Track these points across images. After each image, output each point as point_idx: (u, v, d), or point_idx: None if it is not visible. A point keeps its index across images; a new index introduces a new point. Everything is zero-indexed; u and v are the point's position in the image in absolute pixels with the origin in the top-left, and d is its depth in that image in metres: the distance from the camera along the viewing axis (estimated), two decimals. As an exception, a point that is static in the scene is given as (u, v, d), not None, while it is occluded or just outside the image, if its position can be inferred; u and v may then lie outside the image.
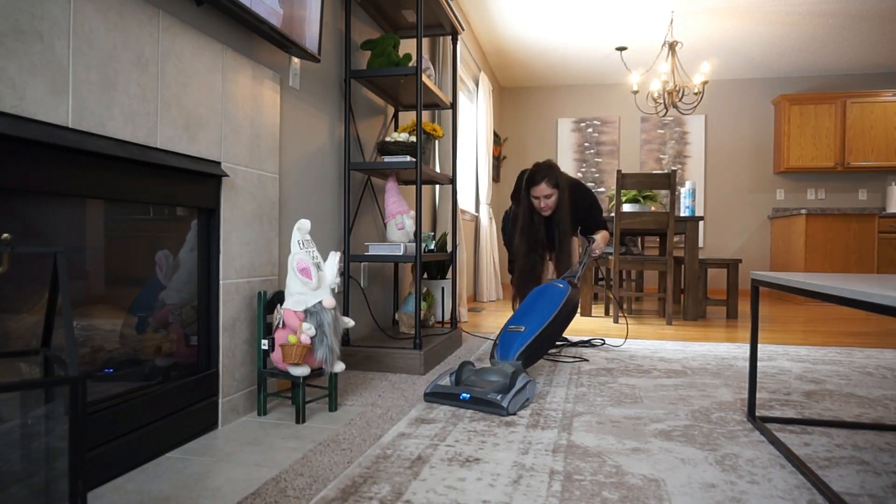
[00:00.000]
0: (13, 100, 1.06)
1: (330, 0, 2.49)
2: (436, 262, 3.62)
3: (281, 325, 1.77)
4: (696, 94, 5.01)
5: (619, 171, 4.13)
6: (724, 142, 6.81)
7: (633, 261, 4.24)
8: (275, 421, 1.77)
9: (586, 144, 7.04)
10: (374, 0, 2.72)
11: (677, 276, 4.68)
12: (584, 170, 7.04)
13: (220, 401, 1.69)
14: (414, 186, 3.46)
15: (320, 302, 1.75)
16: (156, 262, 1.53)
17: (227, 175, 1.67)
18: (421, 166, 2.44)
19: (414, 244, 2.58)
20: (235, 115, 1.73)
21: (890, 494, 1.27)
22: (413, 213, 2.63)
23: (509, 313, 4.69)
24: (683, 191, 4.75)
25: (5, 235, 0.98)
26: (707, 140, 6.84)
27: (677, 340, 3.39)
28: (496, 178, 6.55)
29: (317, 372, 1.79)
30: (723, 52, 5.87)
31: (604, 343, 3.24)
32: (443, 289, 3.52)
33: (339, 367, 1.81)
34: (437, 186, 4.11)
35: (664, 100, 5.16)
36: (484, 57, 6.06)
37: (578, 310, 4.67)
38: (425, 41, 3.85)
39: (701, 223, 6.79)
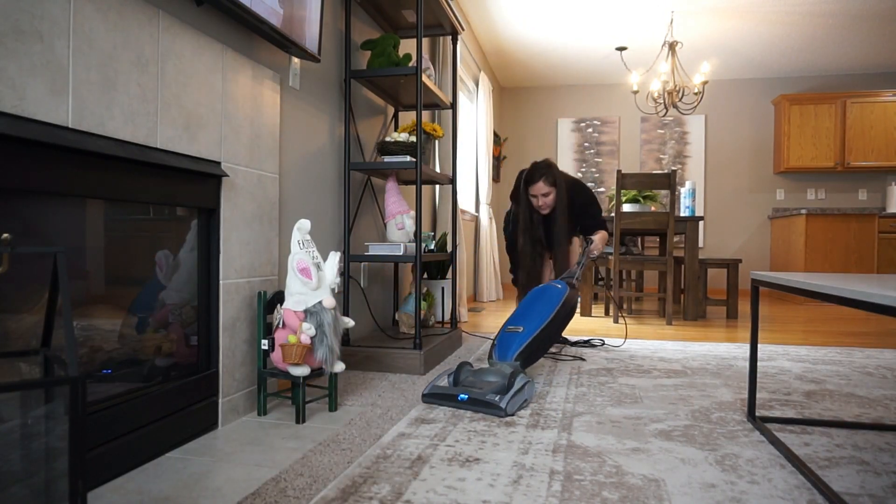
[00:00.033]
0: (13, 100, 1.06)
1: (330, 0, 2.49)
2: (436, 262, 3.62)
3: (281, 325, 1.77)
4: (696, 94, 5.01)
5: (619, 171, 4.13)
6: (724, 142, 6.81)
7: (633, 261, 4.24)
8: (275, 421, 1.77)
9: (586, 144, 7.05)
10: (374, 0, 2.72)
11: (677, 276, 4.68)
12: (584, 170, 7.04)
13: (220, 401, 1.69)
14: (414, 186, 3.46)
15: (320, 302, 1.75)
16: (156, 262, 1.53)
17: (227, 175, 1.67)
18: (421, 166, 2.44)
19: (414, 244, 2.58)
20: (235, 115, 1.73)
21: (890, 494, 1.27)
22: (413, 213, 2.63)
23: (509, 313, 4.69)
24: (683, 191, 4.75)
25: (5, 235, 0.98)
26: (707, 140, 6.84)
27: (677, 340, 3.39)
28: (496, 178, 6.55)
29: (317, 372, 1.79)
30: (723, 52, 5.87)
31: (603, 343, 3.24)
32: (443, 289, 3.52)
33: (339, 367, 1.81)
34: (437, 186, 4.11)
35: (664, 100, 5.16)
36: (484, 57, 6.07)
37: (578, 310, 4.68)
38: (425, 41, 3.85)
39: (701, 223, 6.79)
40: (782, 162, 6.38)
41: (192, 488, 1.28)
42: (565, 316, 2.39)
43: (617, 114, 7.02)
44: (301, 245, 1.77)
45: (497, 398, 1.84)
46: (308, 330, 1.72)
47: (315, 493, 1.25)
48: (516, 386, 1.90)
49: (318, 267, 1.79)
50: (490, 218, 5.53)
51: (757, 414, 1.86)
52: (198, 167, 1.55)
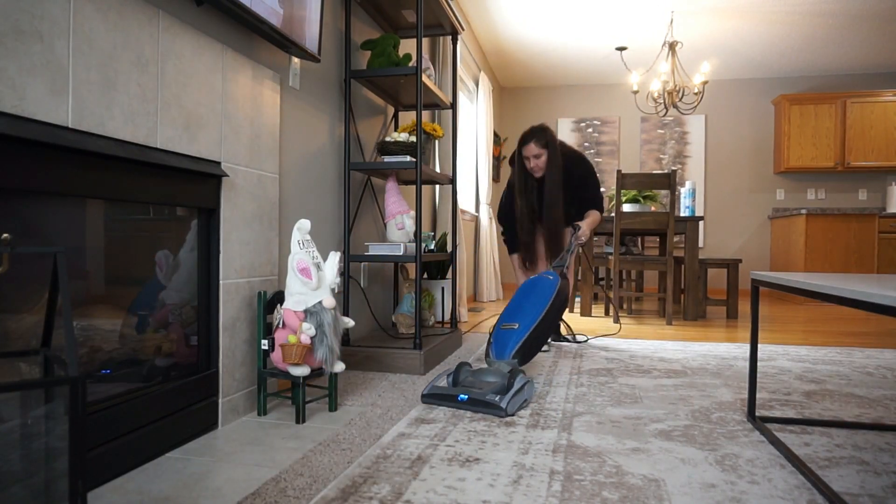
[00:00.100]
0: (13, 100, 1.06)
1: (330, 0, 2.49)
2: (436, 262, 3.62)
3: (281, 325, 1.77)
4: (696, 94, 5.01)
5: (619, 171, 4.13)
6: (724, 142, 6.81)
7: (633, 261, 4.24)
8: (275, 421, 1.77)
9: (586, 144, 7.05)
10: (374, 0, 2.72)
11: (677, 276, 4.68)
12: (584, 170, 7.04)
13: (220, 401, 1.69)
14: (414, 186, 3.46)
15: (320, 302, 1.75)
16: (156, 262, 1.53)
17: (227, 175, 1.67)
18: (421, 166, 2.44)
19: (414, 244, 2.58)
20: (235, 115, 1.73)
21: (890, 494, 1.27)
22: (413, 213, 2.63)
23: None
24: (683, 191, 4.75)
25: (5, 235, 0.98)
26: (707, 140, 6.84)
27: (677, 340, 3.39)
28: (496, 178, 6.55)
29: (317, 372, 1.79)
30: (723, 52, 5.87)
31: (587, 340, 3.30)
32: (443, 289, 3.52)
33: (339, 367, 1.81)
34: (437, 186, 4.11)
35: (664, 100, 5.16)
36: (484, 57, 6.06)
37: (578, 310, 4.68)
38: (425, 41, 3.85)
39: (701, 223, 6.79)
40: (782, 162, 6.38)
41: (192, 488, 1.28)
42: (559, 308, 2.38)
43: (617, 114, 7.02)
44: (301, 245, 1.77)
45: (497, 398, 1.84)
46: (308, 330, 1.72)
47: (315, 493, 1.25)
48: (516, 386, 1.90)
49: (318, 267, 1.79)
50: (490, 218, 5.53)
51: (757, 414, 1.86)
52: (198, 167, 1.55)
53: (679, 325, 4.06)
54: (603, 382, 2.30)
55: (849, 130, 6.22)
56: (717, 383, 2.30)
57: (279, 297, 1.85)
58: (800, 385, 2.29)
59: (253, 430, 1.68)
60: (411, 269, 3.33)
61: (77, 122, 1.20)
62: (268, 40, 1.94)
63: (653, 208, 4.53)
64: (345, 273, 2.53)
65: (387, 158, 2.52)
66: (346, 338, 2.52)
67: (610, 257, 4.40)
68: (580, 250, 3.14)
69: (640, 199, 4.53)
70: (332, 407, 1.88)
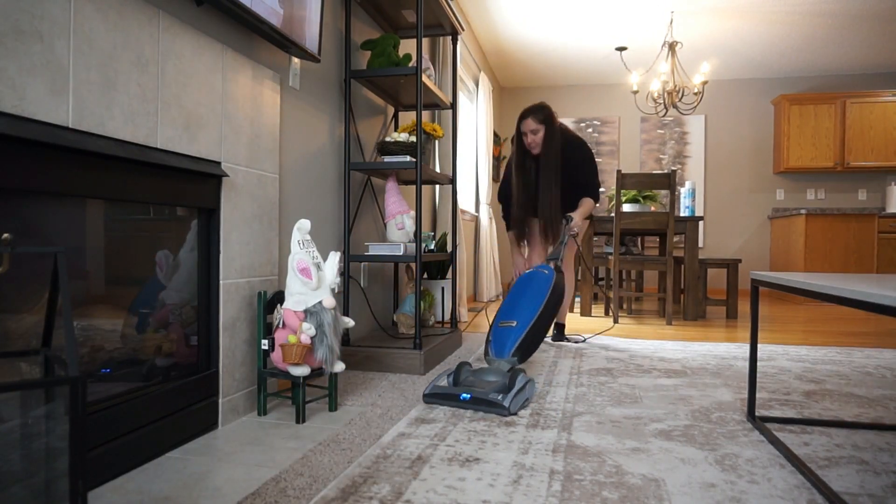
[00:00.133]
0: (13, 100, 1.07)
1: (330, 0, 2.49)
2: (436, 262, 3.62)
3: (281, 325, 1.77)
4: (695, 94, 5.01)
5: (619, 171, 4.13)
6: (723, 142, 6.81)
7: (633, 261, 4.24)
8: (275, 421, 1.77)
9: (586, 144, 7.04)
10: (374, 0, 2.72)
11: (677, 276, 4.68)
12: (583, 170, 7.04)
13: (220, 401, 1.69)
14: (414, 186, 3.46)
15: (320, 302, 1.75)
16: (156, 262, 1.53)
17: (227, 175, 1.67)
18: (421, 166, 2.44)
19: (414, 244, 2.58)
20: (235, 115, 1.73)
21: (889, 494, 1.27)
22: (413, 213, 2.63)
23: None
24: (683, 191, 4.75)
25: (5, 235, 0.98)
26: (707, 140, 6.84)
27: (677, 340, 3.39)
28: (496, 178, 6.55)
29: (317, 372, 1.79)
30: (723, 52, 5.87)
31: (584, 340, 3.31)
32: (443, 289, 3.52)
33: (339, 367, 1.81)
34: (437, 186, 4.11)
35: (664, 100, 5.16)
36: (484, 57, 6.07)
37: (578, 310, 4.68)
38: (425, 41, 3.85)
39: (701, 223, 6.79)
40: (782, 162, 6.38)
41: (193, 488, 1.28)
42: (555, 303, 2.37)
43: (617, 114, 7.02)
44: (301, 245, 1.77)
45: (500, 397, 1.84)
46: (308, 330, 1.72)
47: (315, 492, 1.25)
48: (518, 385, 1.90)
49: (318, 267, 1.79)
50: (490, 218, 5.53)
51: (757, 414, 1.86)
52: (198, 167, 1.55)
53: (679, 325, 4.07)
54: (603, 382, 2.30)
55: (848, 130, 6.22)
56: (716, 383, 2.30)
57: (279, 297, 1.85)
58: (799, 385, 2.29)
59: (253, 430, 1.68)
60: (415, 268, 3.33)
61: (77, 122, 1.20)
62: (268, 40, 1.94)
63: (653, 208, 4.53)
64: (345, 273, 2.53)
65: (387, 158, 2.52)
66: (346, 338, 2.52)
67: (610, 257, 4.40)
68: (578, 247, 3.12)
69: (640, 199, 4.53)
70: (332, 407, 1.88)
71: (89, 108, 1.23)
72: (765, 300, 6.14)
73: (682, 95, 5.17)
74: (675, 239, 6.00)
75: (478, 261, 5.50)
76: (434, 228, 4.09)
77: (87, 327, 1.33)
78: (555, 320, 3.13)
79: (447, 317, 3.59)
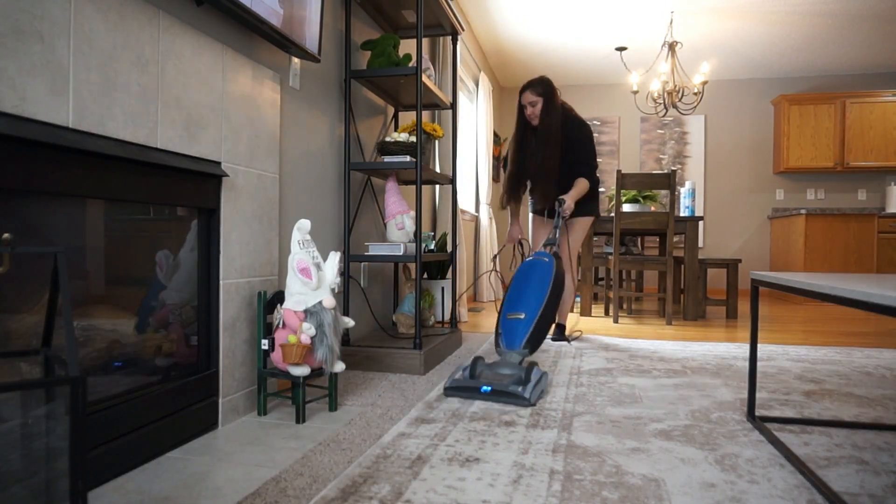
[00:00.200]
0: (13, 100, 1.07)
1: (330, 0, 2.49)
2: (436, 262, 3.62)
3: (281, 325, 1.77)
4: (695, 94, 5.01)
5: (618, 171, 4.13)
6: (723, 142, 6.81)
7: (633, 261, 4.24)
8: (275, 421, 1.77)
9: (586, 144, 7.04)
10: (374, 0, 2.72)
11: (677, 276, 4.68)
12: (583, 170, 7.04)
13: (220, 401, 1.69)
14: (414, 186, 3.46)
15: (320, 302, 1.75)
16: (156, 262, 1.53)
17: (227, 175, 1.67)
18: (421, 166, 2.44)
19: (414, 244, 2.58)
20: (235, 116, 1.73)
21: (889, 494, 1.27)
22: (413, 213, 2.63)
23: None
24: (683, 191, 4.75)
25: (5, 235, 0.98)
26: (707, 140, 6.84)
27: (677, 340, 3.39)
28: (496, 178, 6.55)
29: (317, 372, 1.79)
30: (723, 52, 5.87)
31: (579, 336, 3.37)
32: (443, 289, 3.52)
33: (339, 367, 1.81)
34: (437, 186, 4.11)
35: (664, 100, 5.16)
36: (484, 57, 6.07)
37: (578, 310, 4.68)
38: (425, 41, 3.85)
39: (701, 223, 6.79)
40: (782, 162, 6.39)
41: (193, 488, 1.28)
42: (558, 291, 2.42)
43: (617, 114, 7.02)
44: (301, 245, 1.77)
45: (520, 389, 1.93)
46: (308, 330, 1.72)
47: (315, 492, 1.25)
48: (534, 378, 2.01)
49: (318, 267, 1.79)
50: (490, 218, 5.53)
51: (756, 414, 1.86)
52: (198, 167, 1.55)
53: (679, 325, 4.07)
54: (603, 382, 2.30)
55: (848, 130, 6.22)
56: (716, 383, 2.30)
57: (279, 297, 1.85)
58: (799, 385, 2.29)
59: (253, 429, 1.68)
60: (413, 268, 3.33)
61: (77, 123, 1.20)
62: (268, 40, 1.94)
63: (653, 208, 4.53)
64: (345, 273, 2.53)
65: (387, 158, 2.52)
66: (346, 338, 2.52)
67: (610, 257, 4.40)
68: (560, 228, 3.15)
69: (640, 199, 4.53)
70: (332, 407, 1.88)
71: (89, 109, 1.23)
72: (765, 300, 6.14)
73: (682, 95, 5.17)
74: (675, 239, 6.00)
75: (478, 261, 5.50)
76: (434, 228, 4.09)
77: (87, 327, 1.33)
78: (556, 321, 3.16)
79: (447, 317, 3.59)
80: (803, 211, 5.68)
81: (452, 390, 2.05)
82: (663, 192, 4.90)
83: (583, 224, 3.24)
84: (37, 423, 1.00)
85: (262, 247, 1.88)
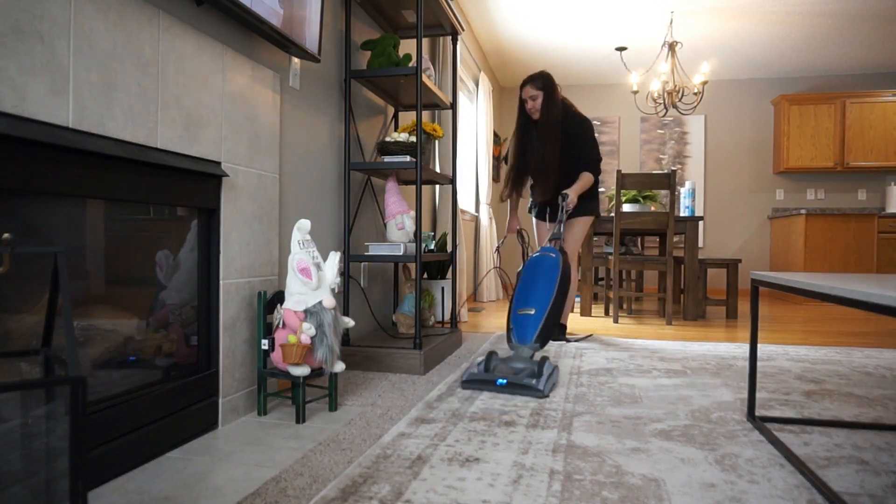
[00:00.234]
0: (14, 100, 1.07)
1: (330, 0, 2.49)
2: (436, 262, 3.62)
3: (281, 325, 1.77)
4: (695, 94, 5.01)
5: (618, 171, 4.13)
6: (723, 142, 6.81)
7: (633, 261, 4.24)
8: (275, 421, 1.77)
9: (586, 144, 7.05)
10: (374, 0, 2.72)
11: (677, 276, 4.68)
12: (583, 170, 7.05)
13: (220, 401, 1.69)
14: (414, 186, 3.46)
15: (320, 302, 1.75)
16: (156, 262, 1.53)
17: (227, 175, 1.67)
18: (421, 166, 2.44)
19: (414, 244, 2.58)
20: (235, 116, 1.73)
21: (889, 494, 1.27)
22: (413, 213, 2.63)
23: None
24: (683, 191, 4.75)
25: (5, 235, 0.98)
26: (707, 140, 6.84)
27: (677, 340, 3.39)
28: (496, 178, 6.55)
29: (317, 372, 1.79)
30: (723, 52, 5.87)
31: (583, 339, 3.36)
32: (443, 289, 3.52)
33: (339, 367, 1.81)
34: (437, 186, 4.11)
35: (664, 100, 5.16)
36: (484, 57, 6.07)
37: (578, 310, 4.68)
38: (425, 41, 3.85)
39: (701, 223, 6.79)
40: (782, 162, 6.39)
41: (193, 488, 1.28)
42: (565, 285, 2.49)
43: (617, 114, 7.02)
44: (301, 245, 1.77)
45: (534, 381, 2.06)
46: (308, 330, 1.72)
47: (315, 492, 1.25)
48: (546, 371, 2.14)
49: (318, 267, 1.79)
50: (490, 218, 5.53)
51: (756, 414, 1.86)
52: (198, 167, 1.55)
53: (679, 325, 4.07)
54: (603, 382, 2.30)
55: (848, 130, 6.22)
56: (716, 383, 2.30)
57: (279, 297, 1.85)
58: (799, 385, 2.29)
59: (253, 429, 1.68)
60: (413, 268, 3.34)
61: (77, 123, 1.20)
62: (268, 40, 1.94)
63: (653, 208, 4.53)
64: (345, 273, 2.53)
65: (387, 158, 2.52)
66: (346, 338, 2.52)
67: (610, 257, 4.40)
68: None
69: (640, 199, 4.53)
70: (332, 407, 1.88)
71: (89, 109, 1.23)
72: (765, 300, 6.14)
73: (682, 95, 5.17)
74: (675, 239, 6.00)
75: (478, 261, 5.50)
76: (434, 228, 4.09)
77: (87, 327, 1.33)
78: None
79: (447, 317, 3.59)
80: (803, 211, 5.68)
81: (469, 383, 2.15)
82: (663, 192, 4.90)
83: (583, 223, 3.26)
84: (37, 423, 1.00)
85: (262, 247, 1.88)
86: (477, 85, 5.46)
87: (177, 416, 1.52)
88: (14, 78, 1.07)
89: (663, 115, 6.25)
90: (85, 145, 1.20)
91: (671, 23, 5.02)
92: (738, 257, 6.73)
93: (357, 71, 2.55)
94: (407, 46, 3.49)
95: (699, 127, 6.81)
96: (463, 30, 3.15)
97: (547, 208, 3.32)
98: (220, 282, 1.68)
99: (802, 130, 6.33)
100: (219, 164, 1.66)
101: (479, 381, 2.14)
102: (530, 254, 2.67)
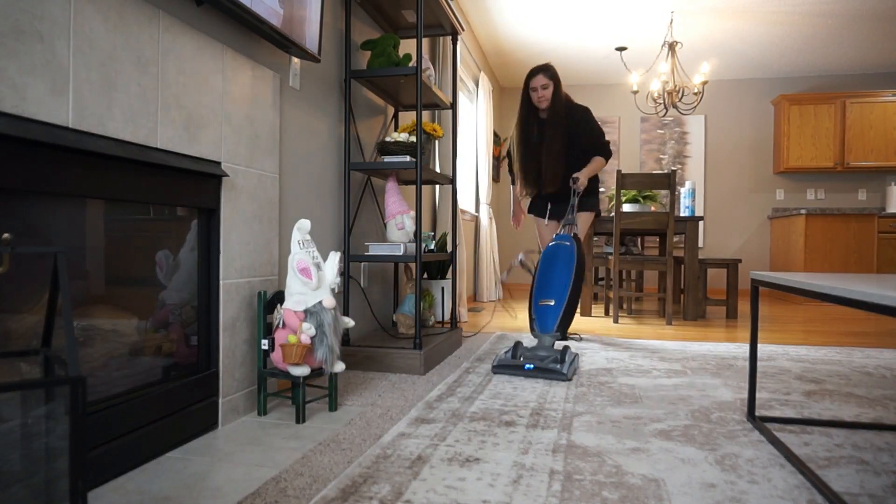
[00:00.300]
0: (14, 100, 1.07)
1: (330, 0, 2.49)
2: (436, 262, 3.62)
3: (281, 325, 1.77)
4: (695, 94, 5.01)
5: (618, 171, 4.13)
6: (723, 142, 6.81)
7: (633, 261, 4.24)
8: (275, 421, 1.77)
9: (586, 144, 7.04)
10: (374, 0, 2.72)
11: (677, 276, 4.68)
12: (583, 170, 7.04)
13: (220, 401, 1.69)
14: (414, 186, 3.46)
15: (320, 302, 1.75)
16: (156, 262, 1.53)
17: (227, 175, 1.67)
18: (421, 166, 2.44)
19: (414, 244, 2.58)
20: (235, 115, 1.73)
21: (889, 494, 1.27)
22: (413, 213, 2.63)
23: (509, 315, 4.70)
24: (683, 191, 4.75)
25: (5, 235, 0.98)
26: (707, 140, 6.84)
27: (677, 340, 3.39)
28: (496, 178, 6.55)
29: (317, 372, 1.79)
30: (723, 52, 5.87)
31: (581, 339, 3.40)
32: (443, 289, 3.52)
33: (339, 367, 1.81)
34: (437, 186, 4.11)
35: (664, 100, 5.16)
36: (484, 57, 6.07)
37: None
38: (425, 41, 3.85)
39: (701, 223, 6.79)
40: (782, 162, 6.38)
41: (193, 488, 1.28)
42: (581, 274, 2.67)
43: (617, 114, 7.02)
44: (301, 245, 1.77)
45: (559, 366, 2.29)
46: (308, 330, 1.72)
47: (315, 492, 1.25)
48: (569, 358, 2.37)
49: (318, 267, 1.79)
50: (490, 218, 5.53)
51: (757, 414, 1.86)
52: (198, 167, 1.55)
53: (679, 325, 4.06)
54: (603, 382, 2.30)
55: (848, 130, 6.22)
56: (716, 383, 2.30)
57: (279, 297, 1.85)
58: (799, 385, 2.29)
59: (253, 430, 1.68)
60: (413, 268, 3.34)
61: (77, 123, 1.20)
62: (268, 40, 1.94)
63: (653, 208, 4.53)
64: (345, 273, 2.53)
65: (387, 158, 2.52)
66: (346, 338, 2.52)
67: (610, 257, 4.40)
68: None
69: (640, 199, 4.53)
70: (332, 407, 1.88)
71: (89, 109, 1.23)
72: (765, 300, 6.14)
73: (682, 95, 5.17)
74: (675, 239, 6.00)
75: (478, 261, 5.50)
76: (434, 228, 4.09)
77: (87, 327, 1.33)
78: None
79: (447, 317, 3.59)
80: (803, 211, 5.68)
81: (499, 368, 2.39)
82: (663, 192, 4.90)
83: (584, 219, 3.28)
84: (37, 423, 1.00)
85: (262, 247, 1.88)
86: (477, 85, 5.46)
87: (177, 416, 1.52)
88: (14, 78, 1.07)
89: (663, 115, 6.25)
90: (85, 145, 1.20)
91: (671, 23, 5.02)
92: (738, 257, 6.73)
93: (357, 71, 2.55)
94: (407, 46, 3.49)
95: (699, 127, 6.81)
96: (463, 30, 3.15)
97: (548, 204, 3.33)
98: (220, 282, 1.68)
99: (802, 130, 6.33)
100: (219, 164, 1.66)
101: (508, 366, 2.37)
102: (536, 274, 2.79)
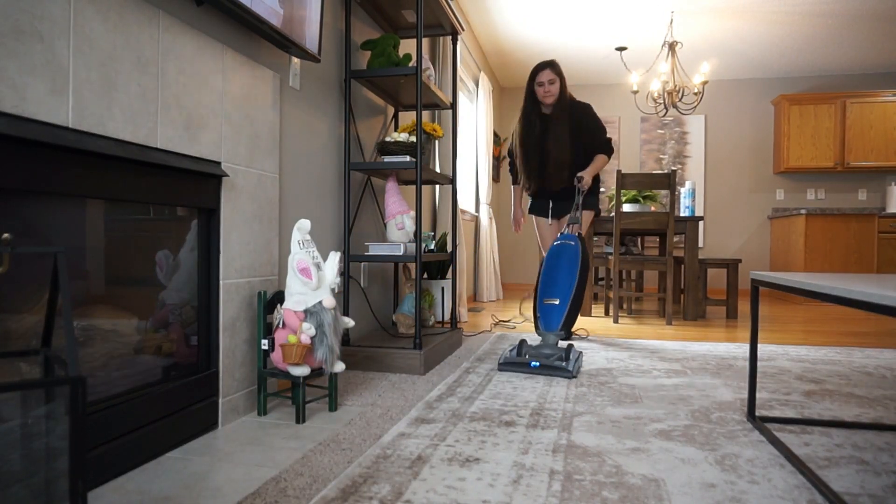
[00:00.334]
0: (14, 100, 1.07)
1: (330, 0, 2.49)
2: (436, 262, 3.62)
3: (281, 325, 1.77)
4: (695, 94, 5.01)
5: (618, 171, 4.13)
6: (723, 142, 6.81)
7: (633, 261, 4.24)
8: (275, 421, 1.77)
9: (586, 144, 7.04)
10: (374, 0, 2.72)
11: (677, 276, 4.68)
12: (583, 170, 7.04)
13: (220, 401, 1.69)
14: (414, 186, 3.46)
15: (320, 302, 1.75)
16: (156, 262, 1.53)
17: (227, 175, 1.67)
18: (421, 166, 2.44)
19: (414, 244, 2.58)
20: (235, 115, 1.73)
21: (889, 494, 1.27)
22: (413, 213, 2.63)
23: (509, 315, 4.70)
24: (683, 191, 4.75)
25: (5, 235, 0.98)
26: (707, 140, 6.84)
27: (677, 340, 3.39)
28: (496, 178, 6.55)
29: (317, 372, 1.79)
30: (723, 52, 5.87)
31: (585, 337, 3.42)
32: (443, 289, 3.52)
33: (339, 367, 1.81)
34: (437, 186, 4.11)
35: (664, 100, 5.16)
36: (484, 57, 6.06)
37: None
38: (425, 41, 3.85)
39: (701, 223, 6.79)
40: (782, 162, 6.38)
41: (193, 488, 1.28)
42: (586, 273, 2.74)
43: (617, 114, 7.02)
44: (301, 245, 1.77)
45: (564, 364, 2.34)
46: (308, 330, 1.72)
47: (315, 492, 1.25)
48: (573, 356, 2.41)
49: (318, 267, 1.79)
50: (490, 218, 5.53)
51: (757, 414, 1.86)
52: (198, 167, 1.55)
53: (679, 325, 4.06)
54: (603, 382, 2.30)
55: (848, 130, 6.22)
56: (716, 383, 2.30)
57: (279, 297, 1.85)
58: (799, 385, 2.29)
59: (253, 430, 1.68)
60: (413, 268, 3.34)
61: (77, 123, 1.20)
62: (268, 40, 1.94)
63: (653, 208, 4.53)
64: (345, 273, 2.53)
65: (387, 158, 2.52)
66: (346, 338, 2.52)
67: (610, 257, 4.40)
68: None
69: (640, 199, 4.53)
70: (332, 407, 1.88)
71: (89, 109, 1.23)
72: (765, 300, 6.14)
73: (682, 95, 5.17)
74: (675, 239, 6.00)
75: (478, 261, 5.50)
76: (434, 228, 4.09)
77: (87, 327, 1.33)
78: None
79: (447, 317, 3.59)
80: (803, 211, 5.68)
81: (505, 365, 2.44)
82: (663, 192, 4.90)
83: (584, 219, 3.28)
84: (37, 423, 1.00)
85: (262, 247, 1.88)
86: (477, 85, 5.46)
87: (177, 416, 1.52)
88: (14, 78, 1.07)
89: (663, 115, 6.24)
90: (85, 145, 1.20)
91: (671, 23, 5.02)
92: (738, 257, 6.73)
93: (357, 71, 2.55)
94: (407, 46, 3.49)
95: (699, 127, 6.81)
96: (463, 30, 3.15)
97: (550, 203, 3.33)
98: (220, 282, 1.68)
99: (802, 130, 6.32)
100: (219, 164, 1.66)
101: (514, 364, 2.41)
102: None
